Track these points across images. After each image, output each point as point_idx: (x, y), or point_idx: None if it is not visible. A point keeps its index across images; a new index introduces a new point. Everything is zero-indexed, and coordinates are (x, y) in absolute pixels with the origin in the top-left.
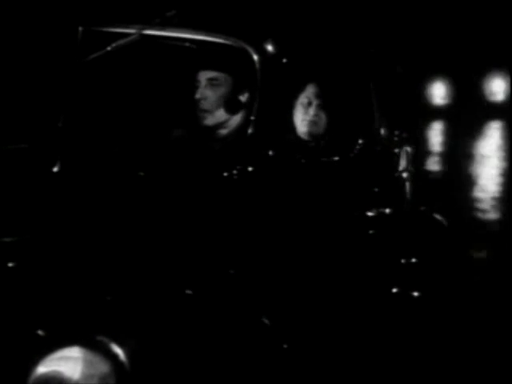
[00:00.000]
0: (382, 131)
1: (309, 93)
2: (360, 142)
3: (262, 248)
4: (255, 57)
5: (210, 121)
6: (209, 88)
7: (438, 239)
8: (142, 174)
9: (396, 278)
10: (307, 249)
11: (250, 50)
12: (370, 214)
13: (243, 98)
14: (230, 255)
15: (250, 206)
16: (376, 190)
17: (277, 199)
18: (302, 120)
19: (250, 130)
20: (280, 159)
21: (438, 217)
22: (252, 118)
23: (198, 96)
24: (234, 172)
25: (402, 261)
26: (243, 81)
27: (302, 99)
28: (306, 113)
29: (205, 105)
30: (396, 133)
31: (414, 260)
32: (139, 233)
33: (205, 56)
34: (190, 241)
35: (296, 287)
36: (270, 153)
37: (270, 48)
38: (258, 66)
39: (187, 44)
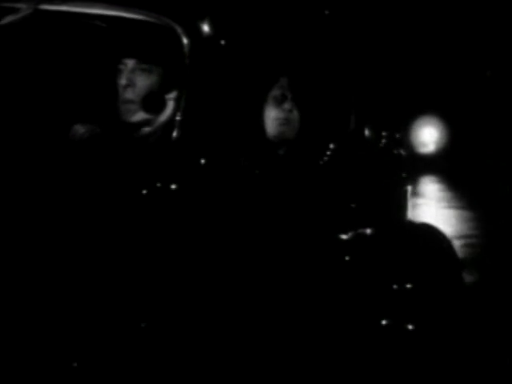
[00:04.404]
0: (366, 132)
1: (283, 84)
2: (332, 146)
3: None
4: (185, 39)
5: (133, 116)
6: (138, 73)
7: (439, 259)
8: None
9: (386, 307)
10: (273, 280)
11: (179, 29)
12: (345, 235)
13: (168, 92)
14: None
15: (178, 231)
16: (353, 205)
17: (214, 220)
18: (275, 119)
19: (174, 134)
20: (217, 170)
21: (439, 231)
22: (178, 118)
23: (122, 82)
24: (158, 185)
25: (394, 287)
26: (170, 70)
27: (275, 92)
28: (279, 108)
29: (131, 93)
30: (383, 134)
31: (408, 286)
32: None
33: (120, 37)
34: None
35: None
36: (202, 162)
37: (205, 28)
38: (187, 50)
39: (97, 22)
